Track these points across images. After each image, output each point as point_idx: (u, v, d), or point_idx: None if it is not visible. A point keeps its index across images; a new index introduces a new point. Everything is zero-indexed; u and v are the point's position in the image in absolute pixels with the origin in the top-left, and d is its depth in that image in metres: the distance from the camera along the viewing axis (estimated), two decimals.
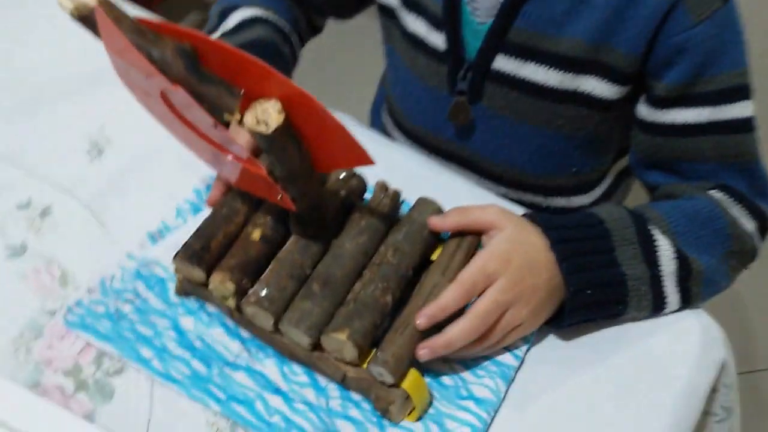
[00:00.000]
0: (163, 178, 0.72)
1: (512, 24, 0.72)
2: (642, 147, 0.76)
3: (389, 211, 0.66)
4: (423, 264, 0.64)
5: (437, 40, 0.77)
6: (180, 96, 0.52)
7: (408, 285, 0.62)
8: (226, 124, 0.57)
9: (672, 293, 0.65)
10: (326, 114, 0.52)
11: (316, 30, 0.91)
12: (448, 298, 0.58)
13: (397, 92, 0.88)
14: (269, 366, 0.61)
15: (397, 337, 0.58)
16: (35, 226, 0.69)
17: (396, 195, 0.67)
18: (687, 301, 0.66)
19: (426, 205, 0.65)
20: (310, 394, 0.60)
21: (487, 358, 0.63)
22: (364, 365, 0.58)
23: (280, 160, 0.55)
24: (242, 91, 0.52)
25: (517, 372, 0.63)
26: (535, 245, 0.62)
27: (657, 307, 0.65)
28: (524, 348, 0.63)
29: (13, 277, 0.66)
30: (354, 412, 0.59)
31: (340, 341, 0.57)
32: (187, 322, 0.64)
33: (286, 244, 0.62)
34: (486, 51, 0.74)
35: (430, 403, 0.60)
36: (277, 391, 0.60)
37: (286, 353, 0.61)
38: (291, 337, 0.59)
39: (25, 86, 0.79)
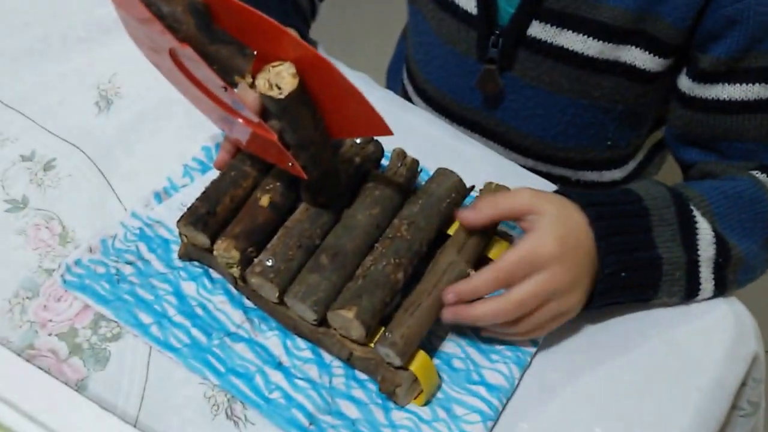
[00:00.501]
0: (172, 134, 0.69)
1: None
2: (680, 122, 0.71)
3: (405, 182, 0.62)
4: (439, 238, 0.60)
5: (468, 2, 0.72)
6: (189, 55, 0.48)
7: (422, 261, 0.58)
8: (236, 86, 0.53)
9: (707, 280, 0.61)
10: (343, 80, 0.48)
11: None
12: (481, 281, 0.55)
13: (420, 56, 0.83)
14: (272, 339, 0.59)
15: (407, 318, 0.54)
16: (37, 179, 0.66)
17: (414, 164, 0.63)
18: (722, 290, 0.62)
19: (445, 177, 0.61)
20: (312, 371, 0.57)
21: (502, 341, 0.59)
22: (372, 344, 0.55)
23: (292, 126, 0.51)
24: (255, 52, 0.48)
25: (533, 358, 0.59)
26: (578, 224, 0.57)
27: (690, 294, 0.61)
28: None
29: (11, 232, 0.63)
30: (358, 393, 0.56)
31: (347, 319, 0.53)
32: (189, 288, 0.61)
33: (296, 211, 0.59)
34: (520, 17, 0.69)
35: (439, 387, 0.57)
36: (279, 365, 0.57)
37: (290, 327, 0.58)
38: (296, 310, 0.56)
39: (33, 32, 0.76)
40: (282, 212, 0.59)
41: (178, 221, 0.58)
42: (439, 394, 0.57)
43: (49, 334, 0.58)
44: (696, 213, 0.61)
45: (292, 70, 0.48)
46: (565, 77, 0.72)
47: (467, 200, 0.63)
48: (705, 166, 0.71)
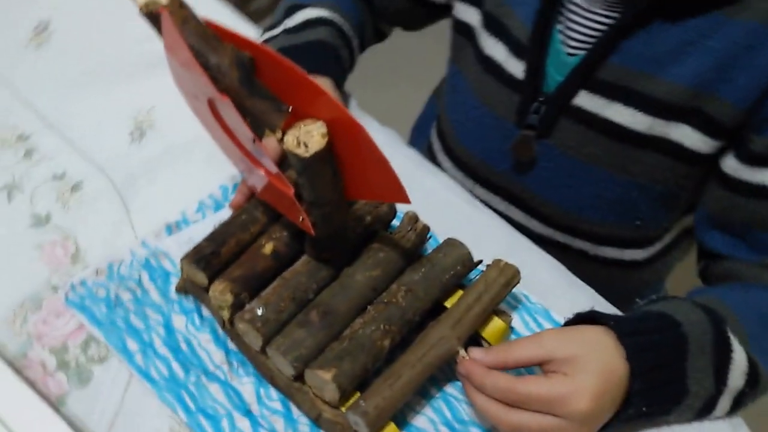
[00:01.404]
0: (194, 171, 0.71)
1: (606, 59, 0.65)
2: (716, 204, 0.68)
3: (412, 247, 0.62)
4: (435, 309, 0.59)
5: (516, 68, 0.71)
6: (226, 106, 0.49)
7: (413, 330, 0.58)
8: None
9: (722, 409, 0.57)
10: (373, 145, 0.48)
11: (381, 37, 0.87)
12: (495, 378, 0.52)
13: (455, 115, 0.83)
14: (246, 385, 0.58)
15: (385, 388, 0.53)
16: (63, 198, 0.69)
17: (424, 230, 0.63)
18: (735, 412, 0.58)
19: (453, 248, 0.61)
20: (279, 423, 0.56)
21: (479, 425, 0.58)
22: (344, 408, 0.54)
23: (311, 184, 0.52)
24: (290, 108, 0.49)
25: None
26: (613, 363, 0.52)
27: (699, 417, 0.57)
28: None
29: (30, 246, 0.65)
30: None
31: (324, 380, 0.53)
32: (179, 322, 0.61)
33: (297, 263, 0.59)
34: (569, 86, 0.67)
35: None
36: (248, 413, 0.57)
37: (267, 377, 0.58)
38: (275, 363, 0.56)
39: (87, 61, 0.80)
40: (283, 262, 0.60)
41: (183, 258, 0.59)
42: None
43: (43, 347, 0.60)
44: (733, 341, 0.57)
45: (323, 130, 0.48)
46: (605, 150, 0.69)
47: (473, 274, 0.63)
48: (732, 264, 0.67)
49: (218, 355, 0.60)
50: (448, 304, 0.60)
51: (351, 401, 0.53)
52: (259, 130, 0.50)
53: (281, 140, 0.48)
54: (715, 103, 0.63)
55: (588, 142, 0.69)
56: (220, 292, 0.57)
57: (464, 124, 0.80)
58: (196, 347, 0.60)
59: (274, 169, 0.55)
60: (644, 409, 0.54)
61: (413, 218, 0.63)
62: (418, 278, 0.59)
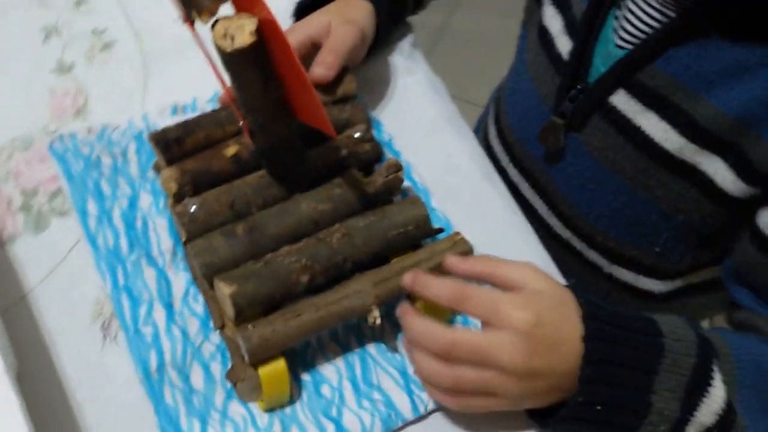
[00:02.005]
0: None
1: (651, 62, 0.58)
2: (745, 261, 0.60)
3: (375, 194, 0.58)
4: (375, 263, 0.56)
5: (564, 46, 0.65)
6: None
7: (341, 276, 0.55)
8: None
9: None
10: (292, 56, 0.46)
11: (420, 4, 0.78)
12: (438, 290, 0.50)
13: (509, 83, 0.77)
14: (180, 279, 0.59)
15: (279, 322, 0.51)
16: (92, 53, 0.71)
17: (395, 181, 0.58)
18: None
19: (411, 207, 0.56)
20: (193, 326, 0.56)
21: (385, 393, 0.54)
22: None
23: (236, 84, 0.49)
24: None
25: (405, 426, 0.54)
26: (567, 325, 0.49)
27: None
28: (430, 404, 0.54)
29: (44, 89, 0.68)
30: (215, 367, 0.55)
31: (223, 293, 0.52)
32: (145, 201, 0.62)
33: (251, 175, 0.58)
34: (609, 80, 0.61)
35: (290, 403, 0.54)
36: (169, 306, 0.57)
37: (194, 275, 0.58)
38: (191, 262, 0.55)
39: None
40: (242, 169, 0.58)
41: (150, 134, 0.60)
42: (287, 410, 0.53)
43: (16, 186, 0.63)
44: (716, 375, 0.50)
45: (253, 27, 0.46)
46: (631, 162, 0.62)
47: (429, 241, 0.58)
48: (752, 316, 0.59)
49: (167, 243, 0.60)
50: (393, 261, 0.56)
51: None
52: (188, 10, 0.47)
53: (212, 27, 0.46)
54: (755, 143, 0.55)
55: (615, 147, 0.63)
56: (166, 178, 0.57)
57: (513, 94, 0.75)
58: (150, 229, 0.61)
59: (207, 56, 0.52)
60: (598, 408, 0.49)
61: (393, 166, 0.59)
62: (362, 225, 0.55)
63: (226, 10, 0.49)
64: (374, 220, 0.56)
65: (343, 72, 0.63)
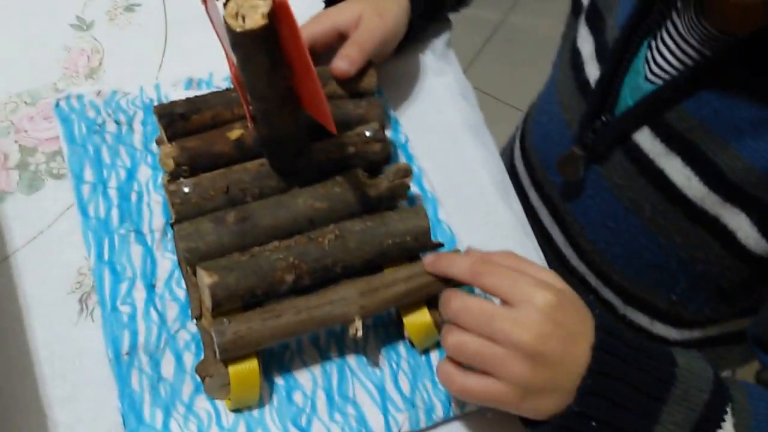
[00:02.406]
0: None
1: (680, 102, 0.54)
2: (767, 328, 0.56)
3: (377, 197, 0.55)
4: (367, 270, 0.53)
5: (592, 72, 0.61)
6: None
7: (329, 280, 0.52)
8: None
9: None
10: (302, 47, 0.43)
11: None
12: (459, 266, 0.48)
13: (539, 101, 0.73)
14: (166, 260, 0.56)
15: (256, 321, 0.49)
16: (114, 13, 0.69)
17: (400, 187, 0.55)
18: None
19: (413, 217, 0.53)
20: (172, 311, 0.54)
21: (359, 409, 0.51)
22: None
23: (243, 68, 0.46)
24: None
25: None
26: (583, 326, 0.46)
27: None
28: (404, 427, 0.51)
29: (59, 45, 0.66)
30: (188, 358, 0.53)
31: (204, 283, 0.49)
32: (144, 174, 0.60)
33: (251, 162, 0.55)
34: (634, 115, 0.57)
35: (258, 406, 0.51)
36: (151, 286, 0.55)
37: (178, 257, 0.56)
38: (177, 244, 0.53)
39: None
40: (244, 154, 0.56)
41: (155, 106, 0.57)
42: (255, 413, 0.51)
43: (16, 141, 0.61)
44: (727, 419, 0.47)
45: (266, 10, 0.43)
46: (651, 204, 0.59)
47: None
48: None
49: (159, 221, 0.58)
50: (387, 271, 0.53)
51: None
52: None
53: (225, 4, 0.43)
54: None
55: (636, 186, 0.59)
56: (165, 155, 0.54)
57: (540, 114, 0.71)
58: (144, 204, 0.59)
59: (219, 33, 0.49)
60: (593, 424, 0.45)
61: (402, 171, 0.56)
62: (358, 229, 0.52)
63: None
64: (371, 225, 0.53)
65: (366, 66, 0.60)
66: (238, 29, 0.43)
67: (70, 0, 0.69)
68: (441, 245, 0.55)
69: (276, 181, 0.54)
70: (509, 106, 1.78)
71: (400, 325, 0.54)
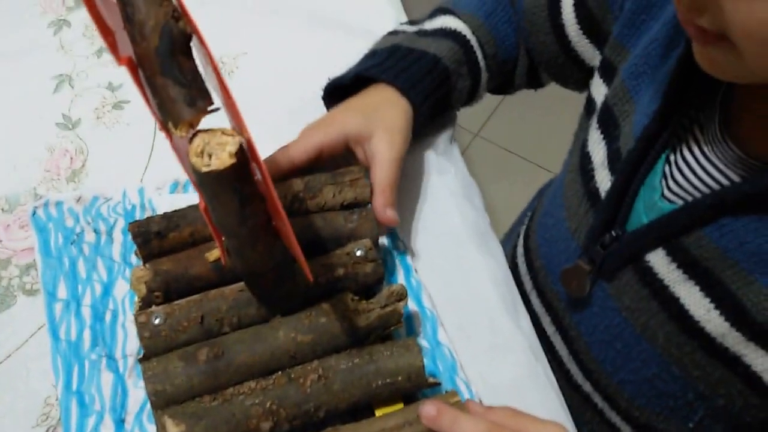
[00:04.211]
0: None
1: (700, 227, 0.48)
2: None
3: (366, 327, 0.50)
4: (354, 413, 0.48)
5: (603, 181, 0.55)
6: (140, 75, 0.41)
7: (315, 426, 0.47)
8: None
9: None
10: (272, 193, 0.39)
11: (536, 82, 0.72)
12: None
13: (545, 198, 0.67)
14: (139, 390, 0.52)
15: None
16: (101, 111, 0.66)
17: (392, 316, 0.50)
18: None
19: (406, 354, 0.48)
20: None
21: None
22: None
23: (211, 206, 0.42)
24: (211, 107, 0.40)
25: None
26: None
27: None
28: None
29: (43, 145, 0.63)
30: None
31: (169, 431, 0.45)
32: (121, 290, 0.56)
33: (230, 286, 0.51)
34: (647, 235, 0.51)
35: None
36: (120, 422, 0.50)
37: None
38: (144, 383, 0.49)
39: None
40: (223, 277, 0.51)
41: (131, 223, 0.53)
42: None
43: None
44: None
45: (234, 149, 0.39)
46: (665, 333, 0.52)
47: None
48: None
49: (133, 344, 0.54)
50: (378, 413, 0.48)
51: None
52: (164, 119, 0.41)
53: (190, 141, 0.39)
54: None
55: (648, 311, 0.53)
56: (137, 279, 0.50)
57: (544, 216, 0.65)
58: (118, 325, 0.55)
59: (183, 165, 0.45)
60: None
61: (395, 294, 0.51)
62: (344, 368, 0.47)
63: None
64: (358, 363, 0.48)
65: (361, 176, 0.56)
66: (204, 169, 0.39)
67: (59, 97, 0.66)
68: (438, 384, 0.49)
69: (255, 308, 0.50)
70: (529, 162, 1.73)
71: None
